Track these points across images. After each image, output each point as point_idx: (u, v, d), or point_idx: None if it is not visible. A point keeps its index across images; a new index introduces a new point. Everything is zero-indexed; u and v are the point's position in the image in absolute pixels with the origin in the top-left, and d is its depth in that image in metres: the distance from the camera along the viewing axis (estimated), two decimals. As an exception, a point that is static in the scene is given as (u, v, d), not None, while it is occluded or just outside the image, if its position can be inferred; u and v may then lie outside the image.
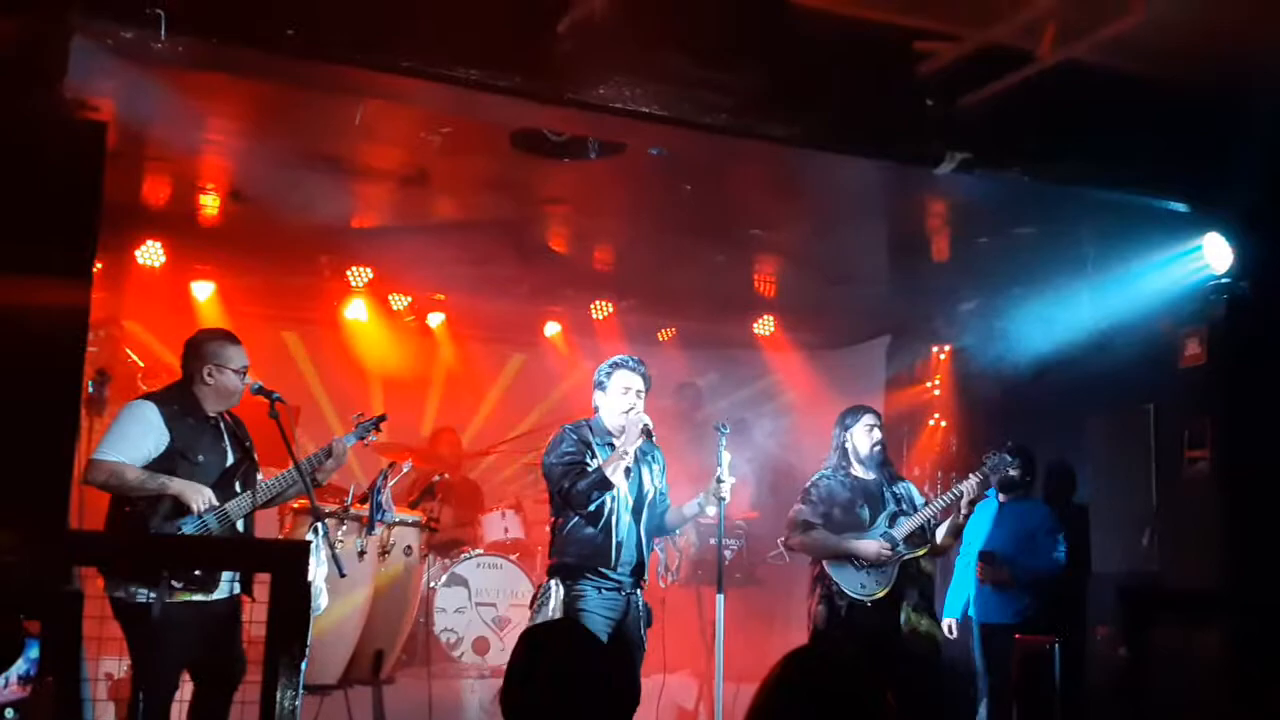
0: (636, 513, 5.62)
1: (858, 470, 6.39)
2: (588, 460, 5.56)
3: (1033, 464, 7.24)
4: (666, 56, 5.17)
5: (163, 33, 4.30)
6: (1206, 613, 5.89)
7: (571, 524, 5.56)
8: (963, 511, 6.20)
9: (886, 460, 6.49)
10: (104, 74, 4.63)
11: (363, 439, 5.96)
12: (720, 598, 5.90)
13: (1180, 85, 5.79)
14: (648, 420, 5.54)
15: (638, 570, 5.59)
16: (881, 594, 6.18)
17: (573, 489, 5.49)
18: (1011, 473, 6.84)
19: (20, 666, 3.44)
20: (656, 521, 5.78)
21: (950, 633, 7.30)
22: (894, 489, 6.39)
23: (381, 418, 6.01)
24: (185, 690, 5.25)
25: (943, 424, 9.10)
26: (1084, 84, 5.65)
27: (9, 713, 3.41)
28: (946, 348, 9.16)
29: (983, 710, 7.22)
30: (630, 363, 5.73)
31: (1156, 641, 6.14)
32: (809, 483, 6.45)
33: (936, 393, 9.26)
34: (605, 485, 5.46)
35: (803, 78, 5.44)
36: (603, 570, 5.48)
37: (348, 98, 5.55)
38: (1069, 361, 7.29)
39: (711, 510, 5.75)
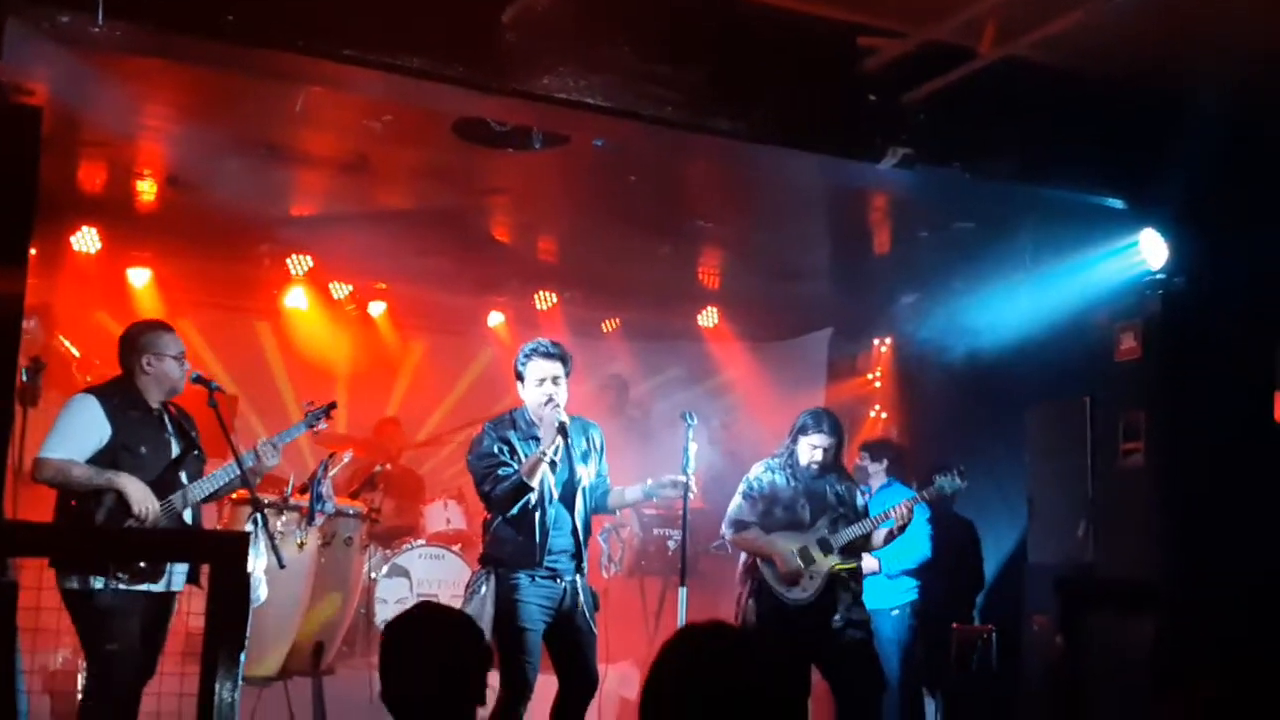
0: (567, 501, 5.47)
1: (799, 469, 6.27)
2: (508, 459, 5.40)
3: (884, 452, 7.52)
4: (611, 49, 5.17)
5: (100, 17, 4.21)
6: (1140, 603, 6.02)
7: (497, 522, 5.46)
8: (900, 527, 6.21)
9: (834, 464, 6.39)
10: (40, 58, 4.55)
11: (312, 427, 5.88)
12: (683, 590, 5.81)
13: (1118, 83, 5.87)
14: (563, 418, 5.35)
15: (575, 557, 5.47)
16: (808, 600, 6.09)
17: (492, 493, 5.38)
18: (860, 463, 7.18)
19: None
20: (595, 505, 5.65)
21: None
22: (838, 489, 6.28)
23: (331, 405, 5.93)
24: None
25: (883, 415, 9.18)
26: (1024, 81, 5.72)
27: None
28: (887, 340, 9.25)
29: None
30: (545, 348, 5.49)
31: (1091, 631, 6.30)
32: (751, 475, 6.34)
33: (877, 385, 9.36)
34: (523, 489, 5.31)
35: (747, 72, 5.46)
36: (532, 564, 5.36)
37: (288, 84, 5.50)
38: (1008, 354, 7.37)
39: (665, 494, 5.63)
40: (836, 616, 6.08)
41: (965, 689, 7.11)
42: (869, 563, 6.83)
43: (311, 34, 4.75)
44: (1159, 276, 6.38)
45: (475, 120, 5.98)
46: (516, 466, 5.37)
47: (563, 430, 5.34)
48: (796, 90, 5.53)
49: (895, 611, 7.23)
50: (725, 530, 6.34)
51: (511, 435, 5.48)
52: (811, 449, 6.21)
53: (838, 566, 6.11)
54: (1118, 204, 6.25)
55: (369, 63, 4.85)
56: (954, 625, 7.16)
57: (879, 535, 6.20)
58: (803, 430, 6.24)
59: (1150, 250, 6.34)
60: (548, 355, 5.46)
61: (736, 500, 6.32)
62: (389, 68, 4.87)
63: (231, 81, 5.60)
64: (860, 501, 6.34)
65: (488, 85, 5.06)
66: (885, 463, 7.46)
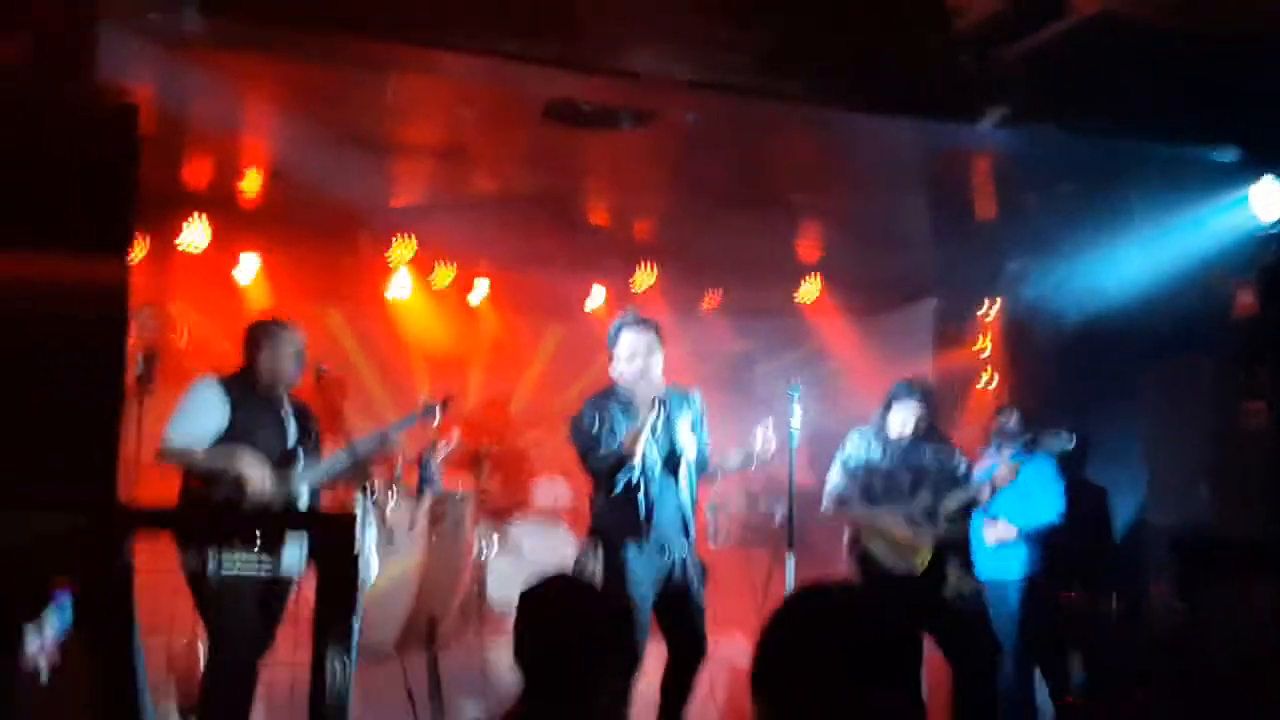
0: (670, 473, 5.45)
1: (893, 438, 6.22)
2: (606, 434, 5.39)
3: (1032, 420, 7.09)
4: (687, 18, 5.11)
5: (194, 14, 4.31)
6: (1264, 566, 5.82)
7: (602, 496, 5.46)
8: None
9: (931, 430, 6.30)
10: (136, 57, 4.67)
11: (425, 419, 5.98)
12: (790, 558, 5.81)
13: (1219, 33, 5.64)
14: (660, 393, 5.35)
15: (681, 529, 5.46)
16: (920, 569, 6.04)
17: (593, 468, 5.41)
18: (1006, 425, 6.81)
19: (54, 625, 3.51)
20: (700, 473, 5.61)
21: None
22: (937, 456, 6.21)
23: (447, 400, 6.01)
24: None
25: (992, 385, 9.01)
26: (1122, 35, 5.51)
27: (43, 674, 3.48)
28: (994, 308, 9.06)
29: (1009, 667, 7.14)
30: (632, 321, 5.48)
31: (1213, 596, 6.11)
32: (847, 448, 6.28)
33: (985, 353, 9.18)
34: (623, 463, 5.31)
35: (832, 37, 5.36)
36: (638, 536, 5.37)
37: (379, 73, 5.56)
38: (1119, 316, 7.17)
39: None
40: (947, 585, 6.03)
41: (1078, 658, 6.95)
42: (1007, 530, 6.69)
43: (397, 20, 4.79)
44: (1273, 229, 6.15)
45: (565, 102, 5.99)
46: (617, 440, 5.39)
47: (658, 402, 5.34)
48: (884, 53, 5.42)
49: (1020, 583, 7.04)
50: (826, 504, 6.30)
51: (610, 410, 5.48)
52: (902, 421, 6.14)
53: (944, 535, 6.04)
54: (1226, 156, 6.03)
55: (456, 45, 4.89)
56: (1060, 594, 6.98)
57: (983, 494, 6.11)
58: (894, 400, 6.17)
59: (1263, 202, 6.11)
60: (637, 327, 5.45)
61: (834, 475, 6.28)
62: (476, 50, 4.91)
63: (325, 73, 5.66)
64: (961, 467, 6.24)
65: (572, 63, 5.06)
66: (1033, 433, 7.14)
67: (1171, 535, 6.84)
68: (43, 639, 3.48)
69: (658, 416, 5.35)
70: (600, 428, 5.42)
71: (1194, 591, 6.31)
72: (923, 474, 6.14)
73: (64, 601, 3.55)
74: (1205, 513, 6.67)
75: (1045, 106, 5.69)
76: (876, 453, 6.21)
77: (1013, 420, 7.03)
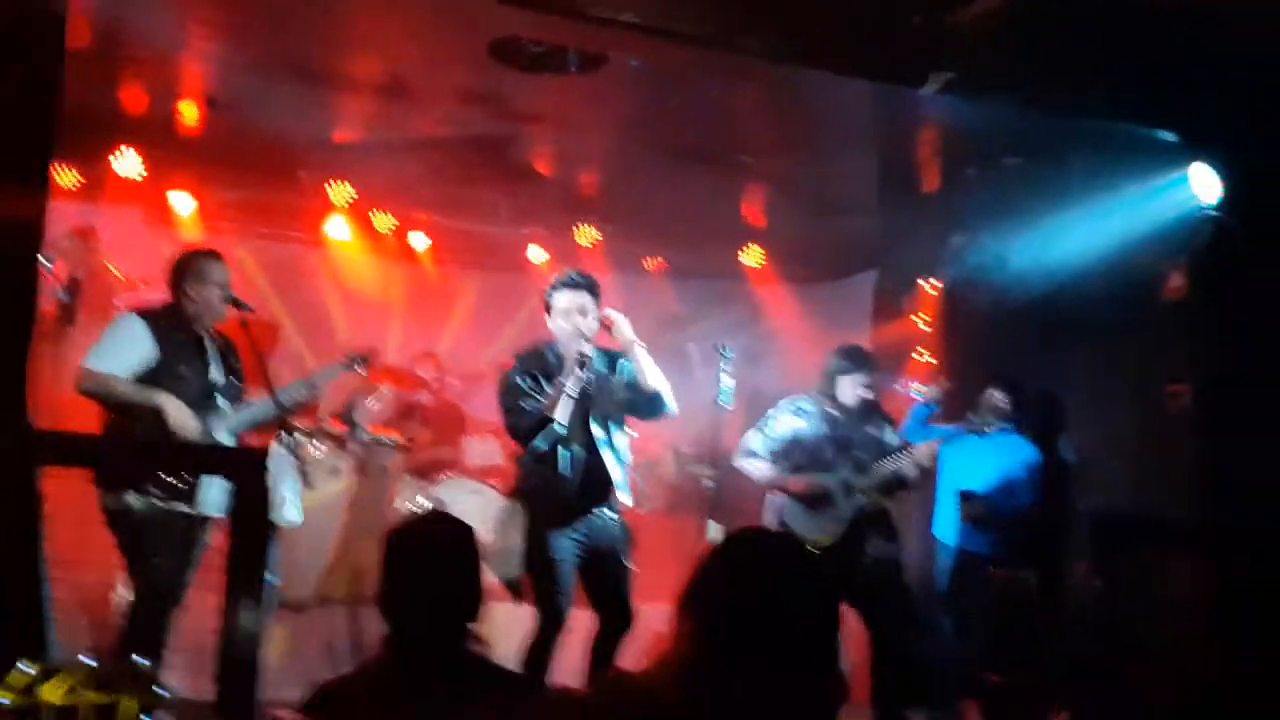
0: (596, 435, 5.38)
1: (835, 408, 6.17)
2: (536, 393, 5.33)
3: (1020, 396, 7.11)
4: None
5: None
6: (1183, 544, 5.88)
7: (524, 456, 5.41)
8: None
9: (874, 402, 6.28)
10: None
11: (349, 369, 5.90)
12: (711, 523, 5.83)
13: (1170, 10, 5.65)
14: (584, 348, 5.25)
15: (605, 491, 5.41)
16: (835, 540, 6.01)
17: (516, 428, 5.34)
18: (1000, 405, 6.77)
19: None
20: (640, 413, 5.52)
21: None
22: (867, 429, 6.16)
23: (370, 352, 5.93)
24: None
25: (930, 359, 9.04)
26: (1073, 6, 5.53)
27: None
28: (935, 282, 9.08)
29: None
30: (571, 279, 5.39)
31: (1133, 574, 6.17)
32: (773, 413, 6.24)
33: (924, 327, 9.20)
34: (544, 423, 5.24)
35: (787, -9, 5.32)
36: (559, 498, 5.31)
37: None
38: (1055, 294, 7.19)
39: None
40: (865, 555, 6.02)
41: (1002, 632, 7.01)
42: (975, 511, 6.68)
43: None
44: (1210, 212, 6.19)
45: (511, 40, 5.89)
46: (542, 401, 5.31)
47: (582, 362, 5.24)
48: (835, 9, 5.37)
49: (983, 555, 7.00)
50: (737, 459, 6.25)
51: (540, 369, 5.40)
52: (856, 388, 6.10)
53: (866, 505, 6.03)
54: (1169, 136, 6.05)
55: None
56: (992, 569, 7.03)
57: (909, 472, 6.09)
58: (843, 370, 6.12)
59: (1201, 185, 6.15)
60: (574, 285, 5.37)
61: (753, 433, 6.24)
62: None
63: (269, -1, 5.54)
64: (894, 440, 6.21)
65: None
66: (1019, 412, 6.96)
67: (1093, 514, 6.89)
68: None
69: (582, 377, 5.27)
70: (525, 386, 5.36)
71: (1113, 569, 6.38)
72: (847, 446, 6.10)
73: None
74: (1127, 492, 6.72)
75: (991, 75, 5.67)
76: (807, 423, 6.16)
77: (999, 396, 6.85)
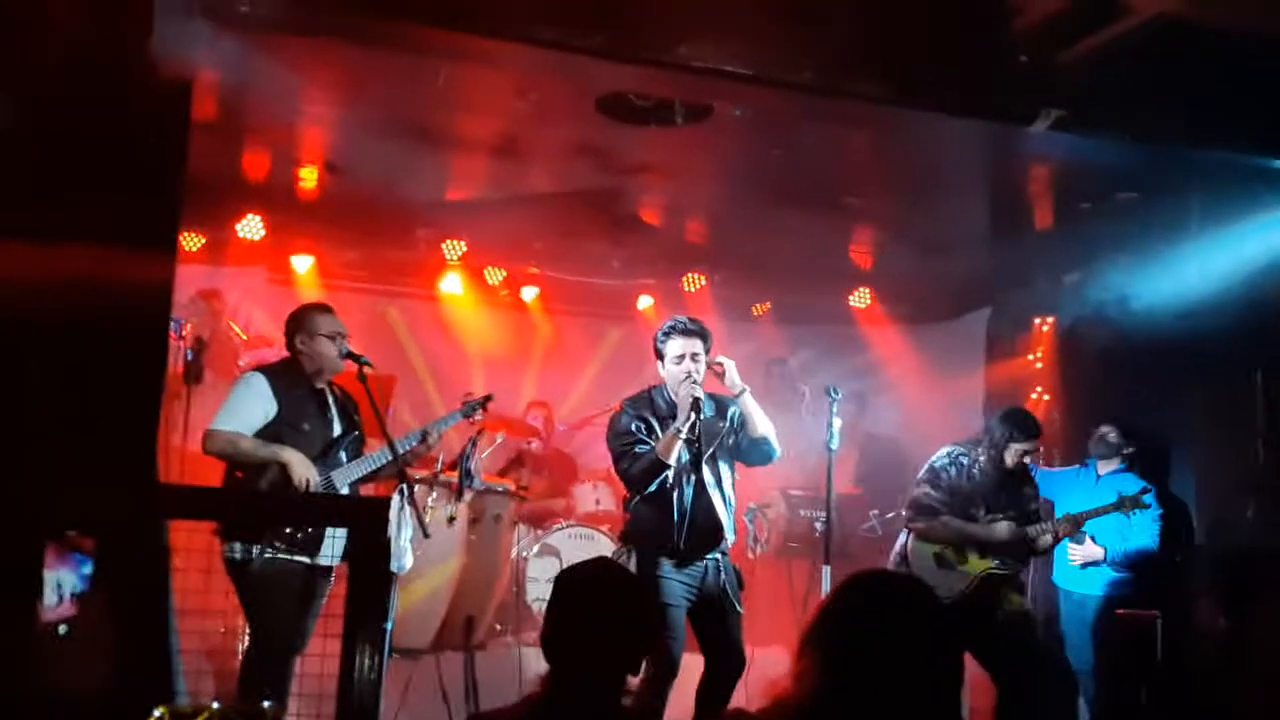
0: (707, 479, 5.38)
1: (986, 467, 6.12)
2: (645, 437, 5.37)
3: (1132, 435, 6.98)
4: (748, 13, 5.10)
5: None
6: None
7: (637, 500, 5.43)
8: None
9: (1025, 467, 6.27)
10: (192, 39, 4.70)
11: (469, 417, 6.01)
12: (826, 568, 5.79)
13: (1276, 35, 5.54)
14: (699, 392, 5.28)
15: (716, 535, 5.40)
16: (962, 598, 5.97)
17: (628, 471, 5.36)
18: (1111, 440, 6.69)
19: (73, 583, 3.52)
20: (749, 458, 5.57)
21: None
22: (1014, 492, 6.14)
23: (488, 398, 6.05)
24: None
25: (1045, 397, 8.88)
26: (1181, 39, 5.45)
27: (61, 628, 3.49)
28: (1049, 319, 8.93)
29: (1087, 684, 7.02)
30: (683, 324, 5.45)
31: (1260, 613, 5.97)
32: (935, 468, 6.17)
33: (1039, 365, 9.04)
34: (660, 467, 5.27)
35: (890, 33, 5.32)
36: (670, 543, 5.30)
37: (434, 62, 5.58)
38: (1174, 330, 7.04)
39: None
40: (993, 612, 5.95)
41: (1131, 676, 6.82)
42: (1094, 550, 6.62)
43: (449, 6, 4.81)
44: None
45: (618, 96, 5.98)
46: (653, 444, 5.35)
47: (696, 406, 5.26)
48: (942, 51, 5.38)
49: (1100, 596, 6.89)
50: (915, 517, 6.18)
51: (650, 414, 5.47)
52: (1020, 455, 6.09)
53: (990, 570, 5.97)
54: (1288, 164, 5.92)
55: (506, 34, 4.89)
56: (1118, 611, 6.86)
57: (1043, 542, 6.07)
58: (1013, 439, 6.05)
59: (1325, 214, 5.99)
60: (686, 332, 5.43)
61: (924, 488, 6.17)
62: (526, 39, 4.91)
63: (382, 63, 5.68)
64: (1032, 506, 6.19)
65: (624, 54, 5.05)
66: (1132, 447, 6.95)
67: (1218, 552, 6.70)
68: (61, 594, 3.49)
69: (696, 421, 5.29)
70: (637, 429, 5.41)
71: (1239, 608, 6.19)
72: (998, 506, 6.07)
73: (85, 562, 3.56)
74: (1254, 530, 6.52)
75: (1102, 110, 5.63)
76: (962, 476, 6.11)
77: (1112, 434, 6.93)
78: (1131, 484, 6.74)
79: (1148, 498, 6.31)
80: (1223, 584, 6.43)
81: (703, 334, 5.44)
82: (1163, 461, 7.15)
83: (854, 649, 2.22)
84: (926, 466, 6.24)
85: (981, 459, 6.08)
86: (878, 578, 2.42)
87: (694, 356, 5.39)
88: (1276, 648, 5.72)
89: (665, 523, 5.32)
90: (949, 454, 6.19)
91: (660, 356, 5.50)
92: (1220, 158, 5.92)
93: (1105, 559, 6.71)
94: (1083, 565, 6.74)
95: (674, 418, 5.38)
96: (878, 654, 2.20)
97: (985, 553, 6.01)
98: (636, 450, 5.36)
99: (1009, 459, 6.06)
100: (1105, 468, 7.00)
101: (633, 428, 5.41)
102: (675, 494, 5.32)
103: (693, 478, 5.36)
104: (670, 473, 5.30)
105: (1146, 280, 7.20)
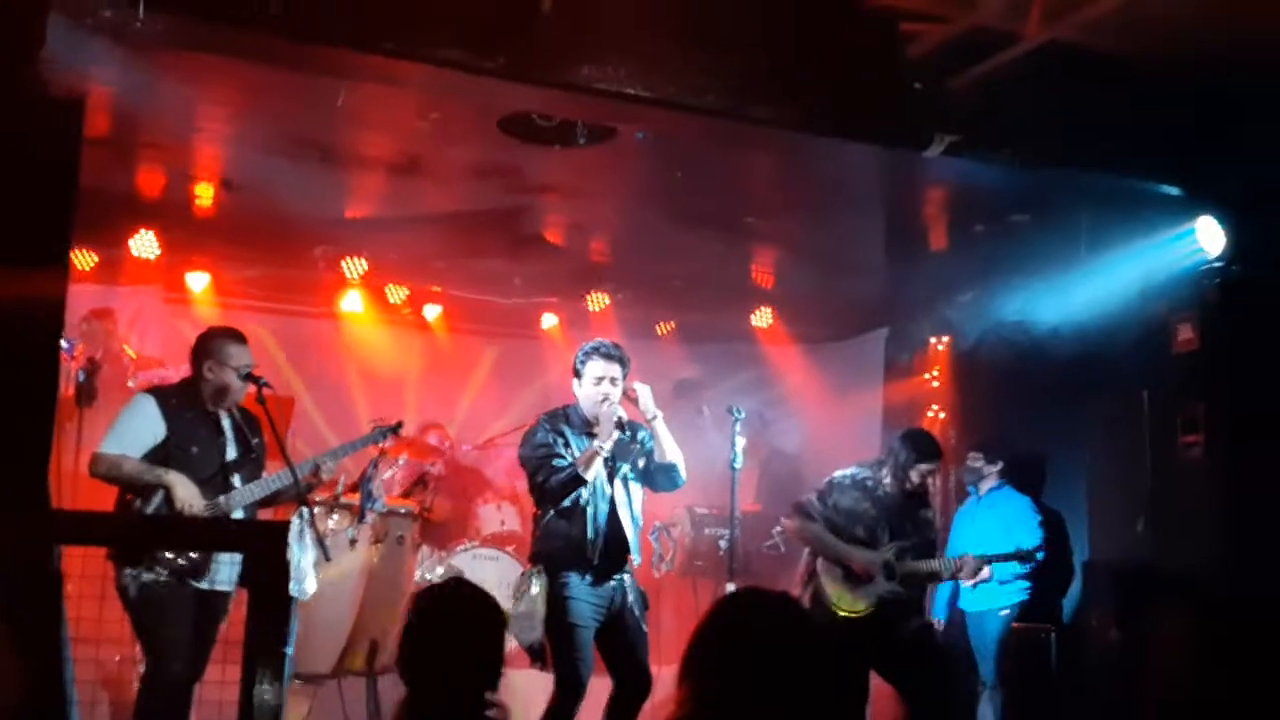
0: (617, 499, 5.48)
1: (891, 489, 6.19)
2: (562, 452, 5.43)
3: (996, 453, 7.26)
4: (652, 38, 5.14)
5: (140, 10, 4.26)
6: (1197, 597, 5.87)
7: (549, 516, 5.46)
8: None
9: (925, 489, 6.37)
10: (85, 53, 4.59)
11: (377, 444, 5.98)
12: (730, 586, 5.84)
13: (1170, 65, 5.73)
14: (621, 413, 5.39)
15: (623, 556, 5.47)
16: (865, 611, 6.07)
17: (546, 484, 5.40)
18: (976, 465, 7.00)
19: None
20: (657, 484, 5.64)
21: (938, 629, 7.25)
22: (916, 517, 6.22)
23: (398, 425, 6.02)
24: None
25: (941, 415, 9.06)
26: (1072, 65, 5.63)
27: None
28: (944, 338, 9.12)
29: (984, 699, 7.17)
30: (605, 348, 5.55)
31: (1150, 626, 6.16)
32: (833, 484, 6.25)
33: (935, 384, 9.23)
34: (578, 482, 5.34)
35: (789, 60, 5.40)
36: (582, 560, 5.37)
37: (334, 81, 5.53)
38: (1065, 349, 7.26)
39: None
40: (896, 629, 6.05)
41: (1025, 688, 6.98)
42: (975, 573, 6.75)
43: (351, 26, 4.76)
44: (1217, 265, 6.23)
45: (520, 116, 5.99)
46: (570, 458, 5.39)
47: (620, 425, 5.37)
48: (838, 78, 5.46)
49: (1004, 612, 7.07)
50: (790, 516, 6.26)
51: (566, 429, 5.52)
52: (922, 476, 6.18)
53: (890, 594, 6.07)
54: (1173, 190, 6.12)
55: (409, 55, 4.86)
56: (1013, 625, 7.02)
57: (943, 574, 6.29)
58: (917, 461, 6.12)
59: (1208, 238, 6.19)
60: (608, 356, 5.52)
61: (811, 497, 6.26)
62: (429, 60, 4.89)
63: (281, 80, 5.61)
64: (932, 535, 6.32)
65: (527, 76, 5.04)
66: (999, 465, 7.26)
67: (1110, 566, 6.89)
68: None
69: (617, 439, 5.37)
70: (554, 444, 5.44)
71: (1130, 621, 6.37)
72: (901, 530, 6.15)
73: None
74: (1143, 545, 6.71)
75: (996, 134, 5.77)
76: (864, 497, 6.18)
77: (977, 460, 7.29)
78: (1012, 499, 6.94)
79: (1040, 554, 6.49)
80: (1114, 597, 6.62)
81: (623, 360, 5.54)
82: (1038, 472, 7.38)
83: (725, 674, 2.19)
84: (826, 480, 6.33)
85: (886, 481, 6.15)
86: (748, 599, 2.40)
87: (612, 380, 5.48)
88: (1166, 659, 5.90)
89: (579, 540, 5.37)
90: (852, 475, 6.26)
91: (578, 375, 5.57)
92: (1109, 181, 6.09)
93: (993, 576, 6.88)
94: (973, 585, 6.89)
95: (589, 435, 5.47)
96: (748, 676, 2.17)
97: (891, 575, 6.07)
98: (554, 464, 5.41)
99: (913, 480, 6.15)
100: (985, 487, 7.22)
101: (550, 440, 5.47)
102: (590, 511, 5.37)
103: (608, 495, 5.43)
104: (584, 490, 5.36)
105: (1039, 300, 7.39)
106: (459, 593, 3.26)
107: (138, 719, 5.11)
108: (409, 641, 3.06)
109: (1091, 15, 5.09)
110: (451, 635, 3.03)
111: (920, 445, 6.19)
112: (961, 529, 7.35)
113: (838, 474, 6.30)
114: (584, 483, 5.34)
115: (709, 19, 5.27)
